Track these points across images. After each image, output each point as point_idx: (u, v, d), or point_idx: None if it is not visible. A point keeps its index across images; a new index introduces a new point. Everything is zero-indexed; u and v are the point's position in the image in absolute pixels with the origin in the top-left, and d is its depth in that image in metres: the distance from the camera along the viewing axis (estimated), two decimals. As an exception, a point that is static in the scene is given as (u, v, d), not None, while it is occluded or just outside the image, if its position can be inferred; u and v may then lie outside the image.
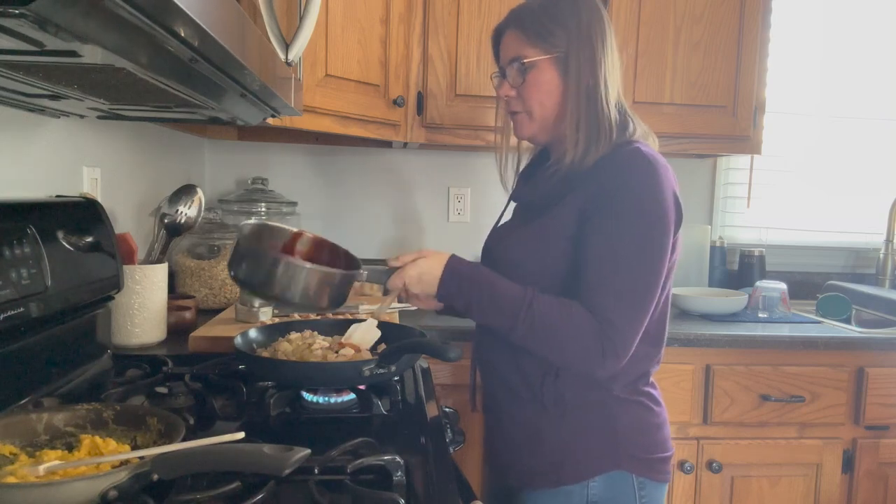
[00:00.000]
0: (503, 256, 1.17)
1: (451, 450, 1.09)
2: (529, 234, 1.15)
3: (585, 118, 1.11)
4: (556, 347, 1.05)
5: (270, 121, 1.32)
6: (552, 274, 1.10)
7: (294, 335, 1.26)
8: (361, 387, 1.11)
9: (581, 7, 1.13)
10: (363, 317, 1.56)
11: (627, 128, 1.14)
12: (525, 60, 1.13)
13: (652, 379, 1.18)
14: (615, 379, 1.11)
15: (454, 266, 1.09)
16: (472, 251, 2.35)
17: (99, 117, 1.17)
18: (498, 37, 1.21)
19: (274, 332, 1.28)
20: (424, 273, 1.09)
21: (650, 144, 1.15)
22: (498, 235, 1.29)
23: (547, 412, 1.13)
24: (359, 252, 2.48)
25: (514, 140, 1.28)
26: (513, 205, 1.33)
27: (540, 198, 1.18)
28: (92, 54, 0.60)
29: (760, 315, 1.96)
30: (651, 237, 1.05)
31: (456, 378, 1.70)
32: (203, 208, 1.57)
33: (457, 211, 2.36)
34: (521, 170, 1.32)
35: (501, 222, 1.33)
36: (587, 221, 1.07)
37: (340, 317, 1.53)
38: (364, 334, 1.22)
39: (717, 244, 2.34)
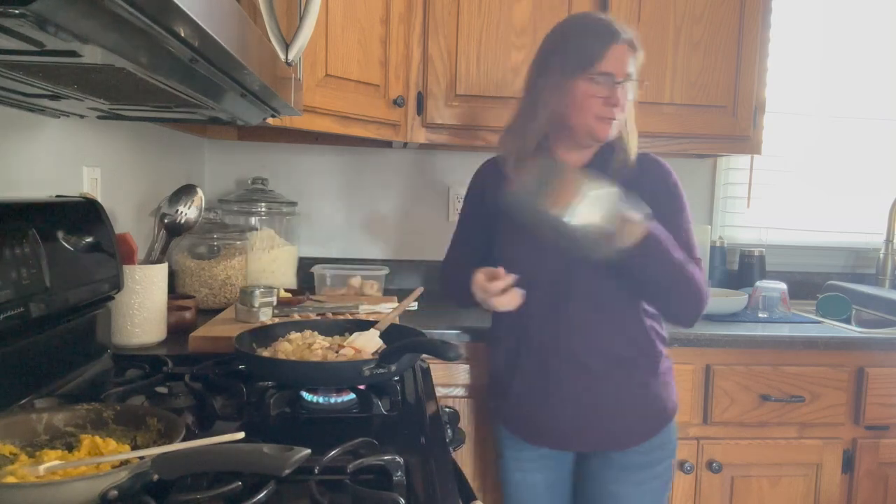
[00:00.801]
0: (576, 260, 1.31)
1: (451, 450, 1.09)
2: None
3: (634, 128, 1.37)
4: (691, 299, 1.28)
5: (270, 121, 1.32)
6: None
7: (294, 335, 1.26)
8: (361, 387, 1.11)
9: None
10: (363, 316, 1.56)
11: None
12: (645, 83, 1.39)
13: None
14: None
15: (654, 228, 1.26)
16: (472, 251, 2.35)
17: (99, 117, 1.17)
18: (612, 41, 1.29)
19: (274, 332, 1.28)
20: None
21: None
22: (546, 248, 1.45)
23: (652, 375, 1.36)
24: (359, 252, 2.49)
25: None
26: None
27: None
28: (92, 54, 0.60)
29: (760, 315, 1.96)
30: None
31: (455, 378, 1.70)
32: (203, 208, 1.58)
33: (457, 211, 2.35)
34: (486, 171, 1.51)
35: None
36: (658, 213, 1.26)
37: (340, 317, 1.53)
38: (366, 343, 1.22)
39: (717, 244, 2.34)
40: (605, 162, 1.35)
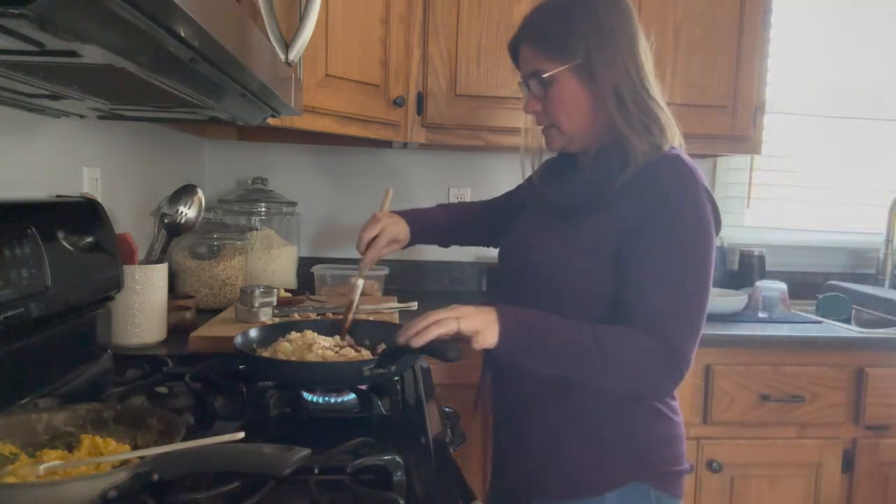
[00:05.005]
0: (533, 260, 1.14)
1: (451, 450, 1.09)
2: (567, 246, 1.10)
3: (623, 119, 1.07)
4: (627, 379, 1.02)
5: (270, 121, 1.32)
6: (597, 292, 1.07)
7: (294, 335, 1.26)
8: (361, 387, 1.11)
9: (598, 8, 1.08)
10: (363, 316, 1.56)
11: (667, 129, 1.11)
12: (544, 75, 1.10)
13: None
14: None
15: (504, 311, 1.02)
16: (471, 252, 2.36)
17: (99, 117, 1.17)
18: (514, 51, 1.18)
19: (274, 332, 1.28)
20: (480, 312, 1.02)
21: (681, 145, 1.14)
22: (520, 239, 1.23)
23: (567, 422, 1.10)
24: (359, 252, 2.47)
25: (536, 140, 1.25)
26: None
27: (574, 203, 1.13)
28: (92, 54, 0.60)
29: (760, 315, 1.96)
30: (703, 257, 1.04)
31: (455, 377, 1.70)
32: (203, 208, 1.57)
33: (457, 211, 2.35)
34: (545, 161, 1.28)
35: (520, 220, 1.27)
36: (635, 238, 1.03)
37: (341, 317, 1.53)
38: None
39: (717, 244, 2.34)
40: (607, 165, 1.09)
